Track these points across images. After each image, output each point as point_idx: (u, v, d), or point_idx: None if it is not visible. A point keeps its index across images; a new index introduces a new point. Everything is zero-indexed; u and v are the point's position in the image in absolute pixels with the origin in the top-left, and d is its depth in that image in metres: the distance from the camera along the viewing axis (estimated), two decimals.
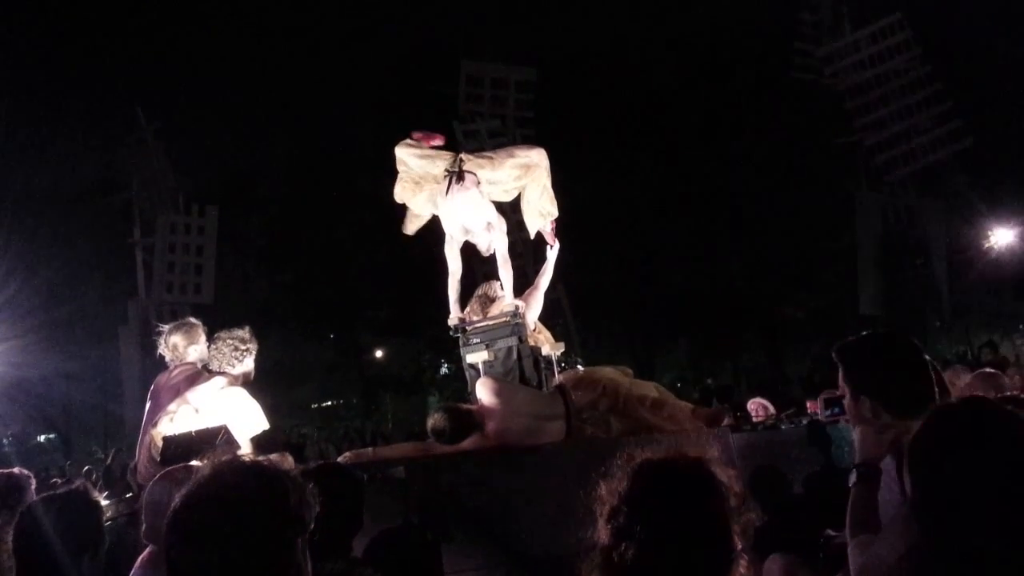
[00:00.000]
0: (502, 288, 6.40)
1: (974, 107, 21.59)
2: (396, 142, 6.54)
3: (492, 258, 6.47)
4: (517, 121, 21.84)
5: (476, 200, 6.26)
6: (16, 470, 5.12)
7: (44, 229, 23.17)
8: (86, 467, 14.89)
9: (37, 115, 25.44)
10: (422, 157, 6.43)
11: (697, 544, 1.82)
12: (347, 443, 16.71)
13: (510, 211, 7.66)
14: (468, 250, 6.56)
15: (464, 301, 6.57)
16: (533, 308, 6.60)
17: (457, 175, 6.24)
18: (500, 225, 6.38)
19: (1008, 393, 5.32)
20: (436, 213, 6.62)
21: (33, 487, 5.02)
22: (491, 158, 6.44)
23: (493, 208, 6.41)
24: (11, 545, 2.99)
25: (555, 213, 6.80)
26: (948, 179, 22.17)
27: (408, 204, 6.79)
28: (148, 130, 21.43)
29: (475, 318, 6.34)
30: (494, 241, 6.34)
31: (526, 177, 6.56)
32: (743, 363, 28.09)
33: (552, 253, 6.96)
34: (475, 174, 6.28)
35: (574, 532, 2.17)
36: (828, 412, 4.12)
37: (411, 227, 7.11)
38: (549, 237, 6.94)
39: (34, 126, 24.76)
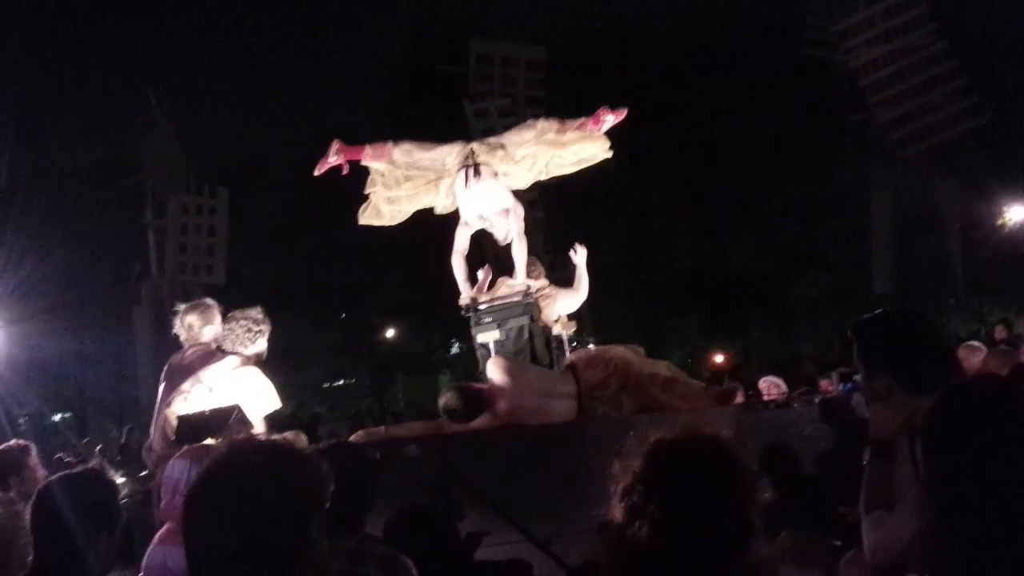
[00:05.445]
0: (517, 268, 6.44)
1: (989, 83, 21.34)
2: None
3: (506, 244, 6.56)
4: (527, 100, 21.72)
5: (494, 188, 6.33)
6: (13, 443, 5.11)
7: (57, 211, 23.21)
8: (99, 446, 14.98)
9: (49, 96, 25.52)
10: (428, 150, 6.49)
11: (712, 523, 1.81)
12: (359, 422, 16.79)
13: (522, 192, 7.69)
14: (480, 234, 6.62)
15: (472, 281, 6.60)
16: (564, 302, 6.71)
17: (473, 168, 6.29)
18: (517, 209, 6.45)
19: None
20: (422, 205, 6.81)
21: (34, 454, 5.00)
22: (504, 148, 6.44)
23: (510, 194, 6.46)
24: (28, 522, 3.02)
25: (590, 124, 6.81)
26: (962, 156, 21.96)
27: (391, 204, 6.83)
28: (160, 111, 21.47)
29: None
30: (511, 225, 6.38)
31: (543, 156, 6.61)
32: (754, 342, 27.98)
33: (580, 259, 7.10)
34: (490, 164, 6.34)
35: (586, 510, 2.17)
36: (842, 387, 4.14)
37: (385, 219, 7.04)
38: (617, 114, 6.96)
39: (47, 107, 24.84)
